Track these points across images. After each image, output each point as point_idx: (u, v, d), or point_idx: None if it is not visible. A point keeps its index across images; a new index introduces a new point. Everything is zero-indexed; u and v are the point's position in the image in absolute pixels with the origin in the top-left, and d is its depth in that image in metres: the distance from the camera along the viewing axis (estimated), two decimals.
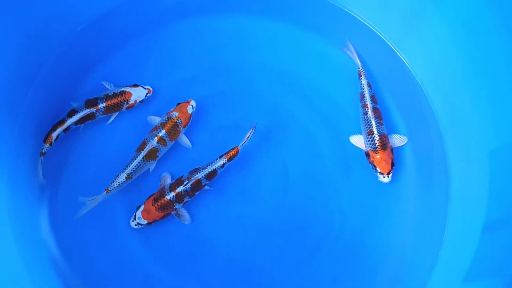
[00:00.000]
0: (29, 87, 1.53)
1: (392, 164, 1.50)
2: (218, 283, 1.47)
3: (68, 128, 1.51)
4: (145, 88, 1.57)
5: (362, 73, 1.58)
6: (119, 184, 1.45)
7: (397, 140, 1.55)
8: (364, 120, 1.53)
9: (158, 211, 1.44)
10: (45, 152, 1.49)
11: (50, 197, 1.50)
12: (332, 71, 1.65)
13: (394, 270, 1.49)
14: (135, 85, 1.56)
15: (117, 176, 1.45)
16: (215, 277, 1.48)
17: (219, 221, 1.52)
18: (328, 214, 1.53)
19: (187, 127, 1.54)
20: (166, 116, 1.51)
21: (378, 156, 1.49)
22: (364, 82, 1.57)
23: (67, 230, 1.48)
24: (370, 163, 1.52)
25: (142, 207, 1.45)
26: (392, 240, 1.51)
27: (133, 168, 1.46)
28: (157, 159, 1.51)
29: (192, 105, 1.54)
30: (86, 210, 1.42)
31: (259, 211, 1.53)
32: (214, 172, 1.47)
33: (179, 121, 1.51)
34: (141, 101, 1.57)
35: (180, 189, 1.44)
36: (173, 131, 1.51)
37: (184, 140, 1.55)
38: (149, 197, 1.46)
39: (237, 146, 1.48)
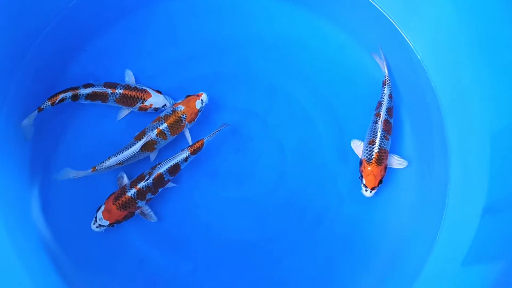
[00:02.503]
0: (18, 65, 1.48)
1: (380, 182, 1.44)
2: (213, 266, 1.46)
3: (77, 97, 1.45)
4: (166, 99, 1.49)
5: (387, 83, 1.51)
6: (108, 167, 1.41)
7: (396, 161, 1.48)
8: (371, 128, 1.48)
9: (120, 210, 1.37)
10: (43, 108, 1.43)
11: (42, 180, 1.47)
12: (333, 51, 1.60)
13: (391, 253, 1.48)
14: (159, 91, 1.49)
15: (109, 158, 1.40)
16: (209, 260, 1.46)
17: (214, 204, 1.49)
18: (325, 197, 1.51)
19: (193, 122, 1.46)
20: (172, 108, 1.44)
21: (369, 168, 1.43)
22: (386, 92, 1.51)
23: (58, 212, 1.45)
24: (359, 171, 1.46)
25: (102, 208, 1.38)
26: (389, 223, 1.49)
27: (126, 157, 1.40)
28: (157, 150, 1.46)
29: (202, 100, 1.45)
30: (67, 178, 1.40)
31: (254, 194, 1.51)
32: (176, 167, 1.40)
33: (184, 116, 1.42)
34: (156, 109, 1.48)
35: (141, 185, 1.36)
36: (176, 126, 1.43)
37: (187, 134, 1.47)
38: (109, 196, 1.39)
39: (203, 138, 1.42)
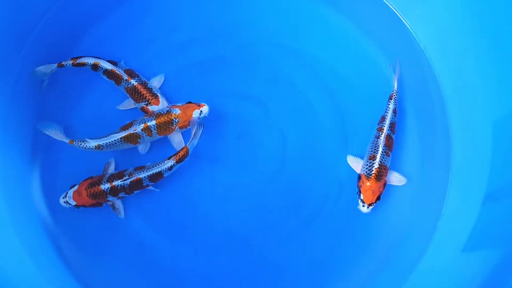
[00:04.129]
0: (21, 47, 1.46)
1: (378, 198, 1.41)
2: (212, 251, 1.47)
3: (97, 68, 1.46)
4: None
5: (393, 97, 1.48)
6: (85, 147, 1.38)
7: (395, 178, 1.46)
8: (373, 143, 1.45)
9: (89, 198, 1.36)
10: (63, 65, 1.45)
11: (42, 161, 1.47)
12: (336, 39, 1.59)
13: (391, 240, 1.48)
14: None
15: (90, 139, 1.38)
16: (209, 245, 1.47)
17: (214, 190, 1.49)
18: (325, 185, 1.51)
19: (185, 129, 1.42)
20: (167, 109, 1.39)
21: (368, 184, 1.40)
22: (391, 106, 1.48)
23: (59, 195, 1.43)
24: (357, 186, 1.43)
25: (75, 187, 1.37)
26: (390, 211, 1.49)
27: (107, 144, 1.37)
28: (146, 144, 1.44)
29: (201, 111, 1.39)
30: (45, 131, 1.38)
31: (255, 180, 1.50)
32: (159, 174, 1.37)
33: (176, 120, 1.38)
34: None
35: (117, 183, 1.34)
36: (164, 127, 1.38)
37: (177, 139, 1.43)
38: (86, 179, 1.39)
39: (186, 145, 1.38)
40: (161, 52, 1.55)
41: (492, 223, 1.35)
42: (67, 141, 1.38)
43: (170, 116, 1.38)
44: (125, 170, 1.37)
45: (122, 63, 1.49)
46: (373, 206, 1.41)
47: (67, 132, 1.43)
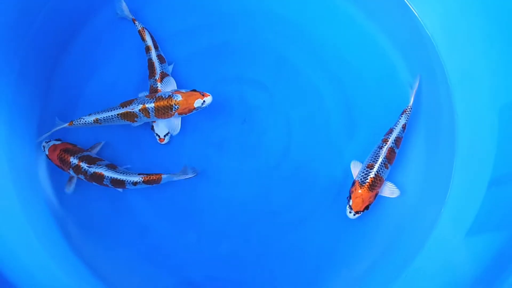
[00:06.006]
0: (25, 34, 1.46)
1: (366, 208, 1.40)
2: (216, 237, 1.46)
3: (147, 51, 1.48)
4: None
5: (406, 112, 1.46)
6: (85, 123, 1.38)
7: (388, 189, 1.44)
8: (374, 152, 1.44)
9: (57, 158, 1.38)
10: (135, 23, 1.49)
11: None
12: (343, 26, 1.57)
13: (396, 225, 1.48)
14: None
15: (89, 114, 1.38)
16: (212, 231, 1.47)
17: (218, 174, 1.49)
18: (330, 173, 1.50)
19: (184, 115, 1.41)
20: (169, 93, 1.37)
21: (359, 191, 1.39)
22: (401, 121, 1.46)
23: (66, 177, 1.44)
24: (349, 192, 1.42)
25: (58, 143, 1.40)
26: (395, 198, 1.47)
27: (104, 118, 1.37)
28: (139, 122, 1.43)
29: (204, 100, 1.36)
30: (50, 133, 1.40)
31: (260, 165, 1.50)
32: (121, 183, 1.37)
33: (176, 107, 1.36)
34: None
35: (83, 165, 1.36)
36: (163, 111, 1.36)
37: (175, 122, 1.42)
38: (69, 143, 1.42)
39: (161, 174, 1.38)
40: (167, 38, 1.54)
41: (496, 208, 1.35)
42: (66, 124, 1.39)
43: (170, 102, 1.35)
44: (101, 161, 1.39)
45: (169, 66, 1.50)
46: (360, 214, 1.40)
47: (74, 110, 1.47)
